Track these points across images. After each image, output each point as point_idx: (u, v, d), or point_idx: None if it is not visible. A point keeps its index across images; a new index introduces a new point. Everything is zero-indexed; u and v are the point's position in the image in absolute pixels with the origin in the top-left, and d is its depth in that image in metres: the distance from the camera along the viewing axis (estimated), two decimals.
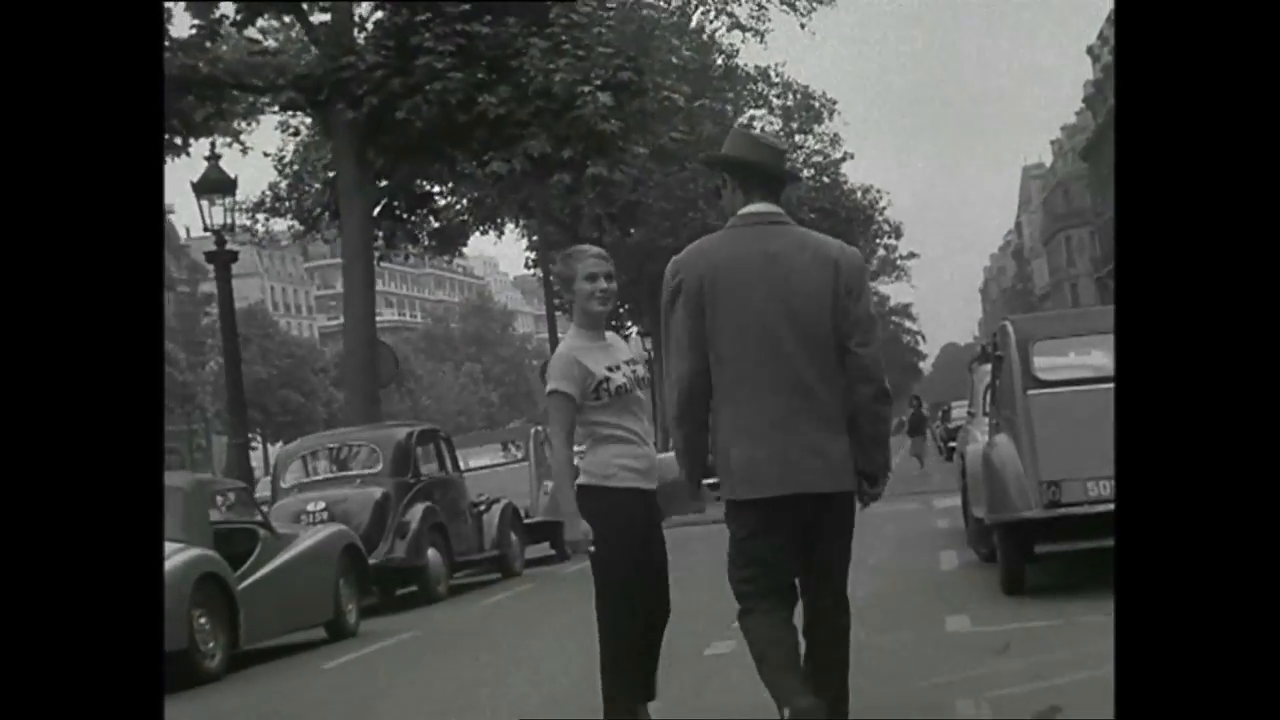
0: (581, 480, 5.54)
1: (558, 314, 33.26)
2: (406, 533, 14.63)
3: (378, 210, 22.87)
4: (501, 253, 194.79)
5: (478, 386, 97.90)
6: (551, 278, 6.67)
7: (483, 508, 17.19)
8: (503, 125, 20.42)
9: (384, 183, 22.19)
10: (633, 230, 37.86)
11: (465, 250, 41.28)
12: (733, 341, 4.81)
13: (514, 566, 17.54)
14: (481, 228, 41.00)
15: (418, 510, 14.96)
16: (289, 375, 75.15)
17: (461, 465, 20.02)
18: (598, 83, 20.28)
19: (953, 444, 26.84)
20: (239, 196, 20.39)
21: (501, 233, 41.45)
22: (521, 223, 37.99)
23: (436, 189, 24.06)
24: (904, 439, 38.77)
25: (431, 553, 15.03)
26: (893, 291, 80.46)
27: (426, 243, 40.62)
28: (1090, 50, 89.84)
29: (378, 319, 22.19)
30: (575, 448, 5.55)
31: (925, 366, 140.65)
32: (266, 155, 32.32)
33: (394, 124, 20.52)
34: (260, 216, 34.28)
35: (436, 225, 40.55)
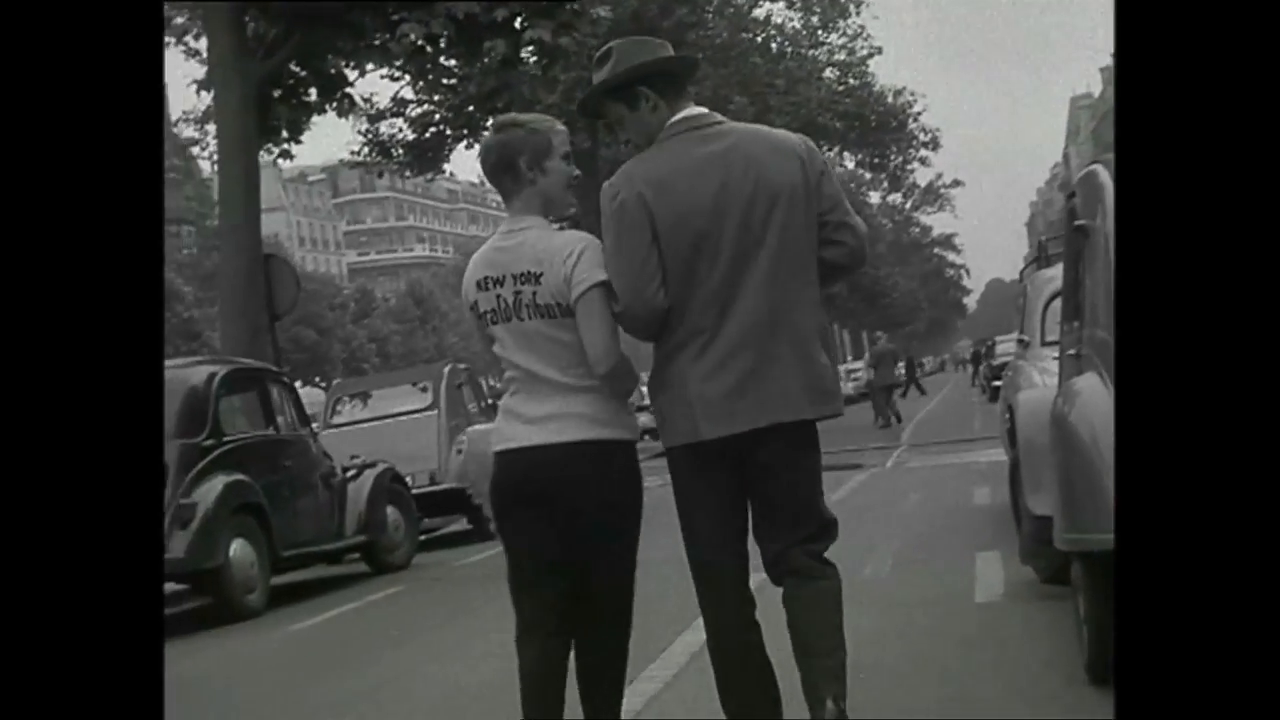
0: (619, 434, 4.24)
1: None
2: (191, 520, 10.12)
3: (279, 95, 18.38)
4: None
5: None
6: (490, 144, 3.57)
7: (351, 475, 12.58)
8: None
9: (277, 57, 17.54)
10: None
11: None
12: (686, 260, 4.15)
13: (389, 557, 12.82)
14: (467, 140, 36.31)
15: (214, 486, 10.41)
16: (302, 310, 72.09)
17: (365, 415, 15.68)
18: None
19: (998, 383, 21.68)
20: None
21: None
22: None
23: (357, 72, 19.22)
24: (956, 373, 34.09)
25: (237, 546, 10.51)
26: (935, 222, 75.71)
27: (401, 157, 36.30)
28: None
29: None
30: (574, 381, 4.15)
31: (970, 303, 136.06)
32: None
33: None
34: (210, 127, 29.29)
35: (411, 138, 36.20)
